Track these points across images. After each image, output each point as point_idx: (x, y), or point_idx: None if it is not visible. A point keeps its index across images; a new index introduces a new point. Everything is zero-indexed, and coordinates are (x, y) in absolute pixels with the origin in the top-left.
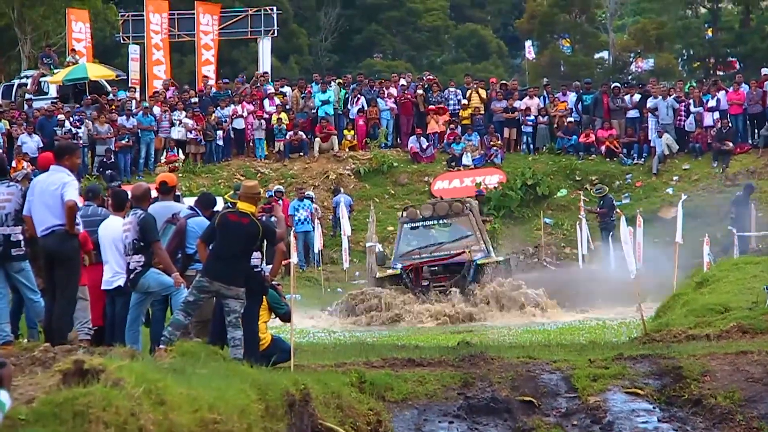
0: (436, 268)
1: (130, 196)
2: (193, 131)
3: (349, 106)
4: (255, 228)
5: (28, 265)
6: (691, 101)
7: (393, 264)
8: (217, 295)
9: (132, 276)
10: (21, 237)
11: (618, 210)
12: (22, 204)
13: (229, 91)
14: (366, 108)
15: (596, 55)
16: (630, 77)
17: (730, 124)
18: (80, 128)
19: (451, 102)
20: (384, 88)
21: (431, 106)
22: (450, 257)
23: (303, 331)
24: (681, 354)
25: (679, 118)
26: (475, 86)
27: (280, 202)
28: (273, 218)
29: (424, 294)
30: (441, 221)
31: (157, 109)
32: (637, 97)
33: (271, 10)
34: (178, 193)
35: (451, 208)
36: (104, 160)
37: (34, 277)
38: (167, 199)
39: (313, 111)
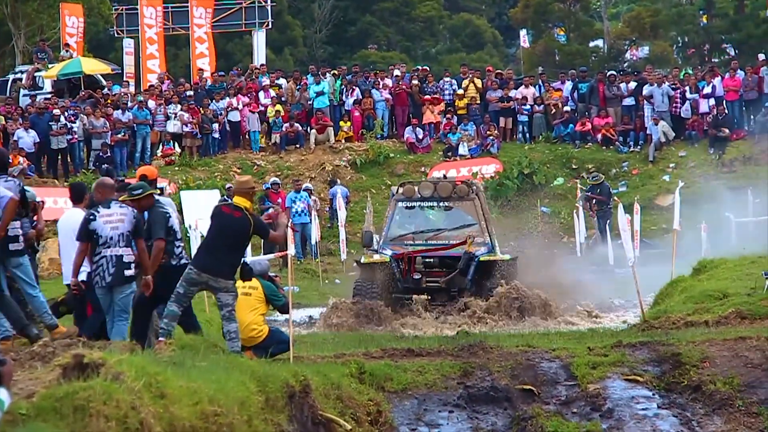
0: (432, 260)
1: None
2: (188, 124)
3: (344, 98)
4: (246, 222)
5: (27, 260)
6: (687, 88)
7: (381, 248)
8: (206, 287)
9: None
10: (19, 231)
11: (615, 198)
12: (21, 199)
13: (225, 84)
14: (361, 99)
15: (591, 44)
16: (625, 65)
17: (726, 111)
18: (75, 123)
19: (447, 92)
20: (379, 79)
21: (426, 97)
22: (448, 247)
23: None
24: (680, 340)
25: (674, 105)
26: (470, 76)
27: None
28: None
29: (414, 287)
30: (441, 203)
31: (152, 103)
32: (632, 84)
33: (265, 2)
34: (161, 185)
35: (455, 189)
36: (100, 154)
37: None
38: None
39: (309, 103)
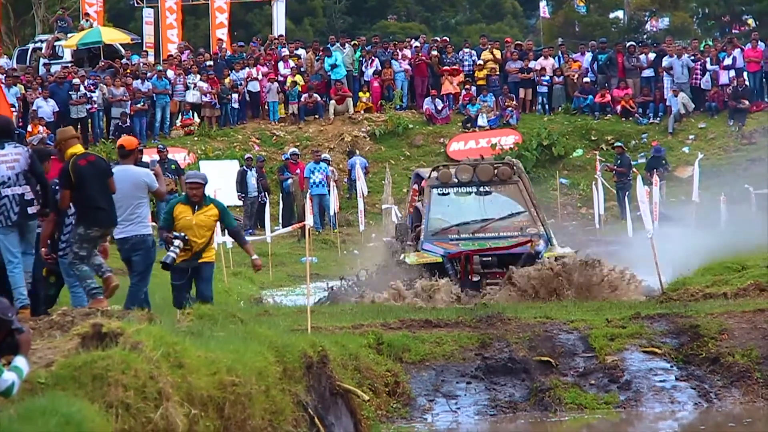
0: (490, 258)
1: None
2: (207, 94)
3: (363, 68)
4: (104, 162)
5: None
6: (707, 59)
7: (423, 244)
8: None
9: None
10: (31, 195)
11: (635, 170)
12: (31, 164)
13: (244, 54)
14: (381, 70)
15: (611, 15)
16: (645, 36)
17: (746, 82)
18: (95, 92)
19: (466, 63)
20: (398, 50)
21: (445, 68)
22: (510, 247)
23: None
24: (698, 312)
25: (694, 76)
26: (490, 47)
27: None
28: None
29: (473, 290)
30: (483, 188)
31: (171, 73)
32: (652, 56)
33: None
34: (155, 158)
35: (498, 172)
36: (120, 123)
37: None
38: (127, 163)
39: (328, 73)
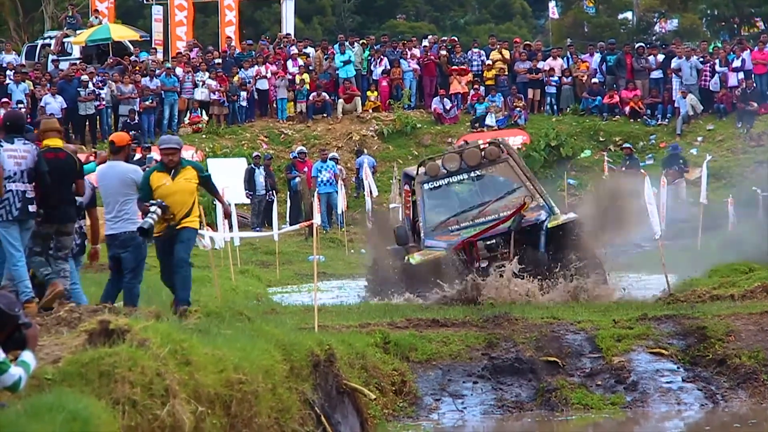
0: (494, 241)
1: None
2: (216, 92)
3: (372, 67)
4: (72, 160)
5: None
6: (716, 61)
7: (425, 241)
8: (52, 235)
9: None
10: (33, 194)
11: (643, 171)
12: (37, 163)
13: (253, 52)
14: (389, 69)
15: (620, 16)
16: (654, 38)
17: (754, 84)
18: (103, 89)
19: (475, 63)
20: (407, 49)
21: (454, 67)
22: (505, 219)
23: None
24: (705, 314)
25: (703, 78)
26: (498, 47)
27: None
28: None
29: (482, 276)
30: (473, 173)
31: (180, 70)
32: (660, 57)
33: None
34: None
35: (485, 154)
36: (128, 120)
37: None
38: (117, 159)
39: (337, 72)
